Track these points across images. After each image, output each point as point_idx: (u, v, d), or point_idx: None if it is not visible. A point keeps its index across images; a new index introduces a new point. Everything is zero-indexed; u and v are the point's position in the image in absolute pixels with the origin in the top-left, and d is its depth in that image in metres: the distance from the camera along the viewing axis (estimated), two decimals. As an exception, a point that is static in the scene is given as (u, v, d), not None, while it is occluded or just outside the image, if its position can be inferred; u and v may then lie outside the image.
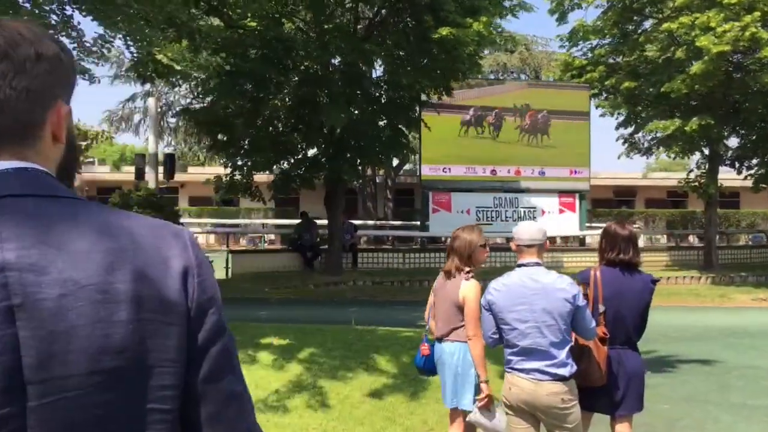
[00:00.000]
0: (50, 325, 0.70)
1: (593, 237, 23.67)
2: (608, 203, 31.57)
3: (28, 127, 0.80)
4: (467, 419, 3.50)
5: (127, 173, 23.19)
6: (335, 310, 10.61)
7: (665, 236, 25.53)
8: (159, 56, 6.66)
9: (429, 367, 3.78)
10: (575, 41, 18.39)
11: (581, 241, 19.05)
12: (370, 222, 22.17)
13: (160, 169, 14.60)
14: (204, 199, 27.08)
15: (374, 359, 6.63)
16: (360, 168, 14.59)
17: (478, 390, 3.47)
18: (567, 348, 3.08)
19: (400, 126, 14.08)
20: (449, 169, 17.24)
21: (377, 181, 26.51)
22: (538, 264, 3.17)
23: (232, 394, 0.84)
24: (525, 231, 3.24)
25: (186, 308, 0.79)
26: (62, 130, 0.84)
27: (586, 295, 3.48)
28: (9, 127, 0.79)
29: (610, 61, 18.13)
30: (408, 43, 11.52)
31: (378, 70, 14.70)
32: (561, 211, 18.02)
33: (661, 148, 18.21)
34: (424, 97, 13.82)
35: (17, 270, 0.70)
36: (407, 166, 27.14)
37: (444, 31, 10.48)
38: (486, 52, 28.17)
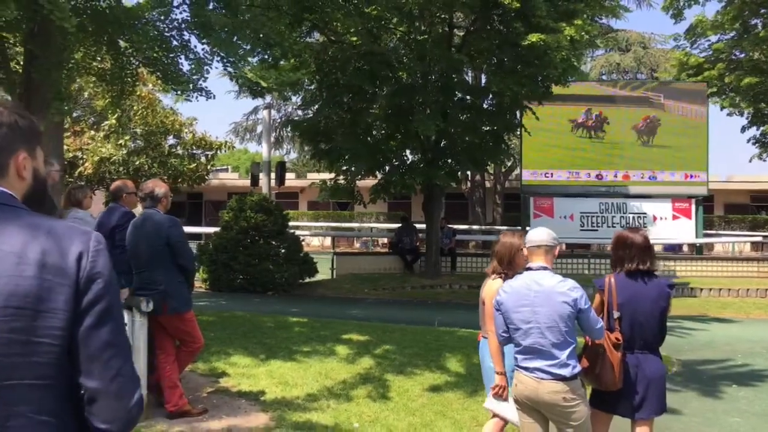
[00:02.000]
0: None
1: (724, 246, 22.20)
2: (744, 209, 29.26)
3: None
4: (485, 406, 3.74)
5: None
6: (426, 311, 10.95)
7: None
8: (249, 74, 7.43)
9: None
10: (693, 38, 17.47)
11: (698, 249, 17.95)
12: (475, 227, 22.23)
13: (273, 176, 15.75)
14: (322, 203, 28.45)
15: (444, 358, 6.93)
16: (458, 174, 14.81)
17: (492, 379, 3.72)
18: (569, 349, 3.25)
19: (499, 131, 14.15)
20: (551, 173, 17.00)
21: (486, 186, 26.51)
22: (544, 268, 3.36)
23: (108, 342, 1.25)
24: (533, 234, 3.45)
25: (77, 277, 1.23)
26: (24, 171, 1.33)
27: (602, 302, 3.63)
28: None
29: (732, 57, 17.01)
30: (499, 50, 11.63)
31: (472, 78, 14.88)
32: (675, 218, 17.12)
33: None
34: (524, 103, 13.81)
35: None
36: (517, 171, 26.88)
37: (533, 37, 10.51)
38: (599, 52, 27.37)
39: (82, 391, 1.24)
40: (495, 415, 3.85)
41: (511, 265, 3.83)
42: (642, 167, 17.16)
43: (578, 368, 3.29)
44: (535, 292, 3.29)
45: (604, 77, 25.80)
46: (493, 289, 3.71)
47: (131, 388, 1.27)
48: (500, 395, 3.60)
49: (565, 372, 3.22)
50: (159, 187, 4.79)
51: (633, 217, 16.85)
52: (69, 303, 1.22)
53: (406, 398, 5.53)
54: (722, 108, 17.47)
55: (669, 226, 16.96)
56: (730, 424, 5.43)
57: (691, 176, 17.16)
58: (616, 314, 3.54)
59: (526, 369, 3.32)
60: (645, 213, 16.93)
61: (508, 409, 3.59)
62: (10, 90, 7.95)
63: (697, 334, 9.72)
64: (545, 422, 3.39)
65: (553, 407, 3.26)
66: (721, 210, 29.34)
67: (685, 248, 19.42)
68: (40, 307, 1.19)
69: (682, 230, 17.07)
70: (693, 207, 17.06)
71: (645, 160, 17.21)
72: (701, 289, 14.08)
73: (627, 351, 3.54)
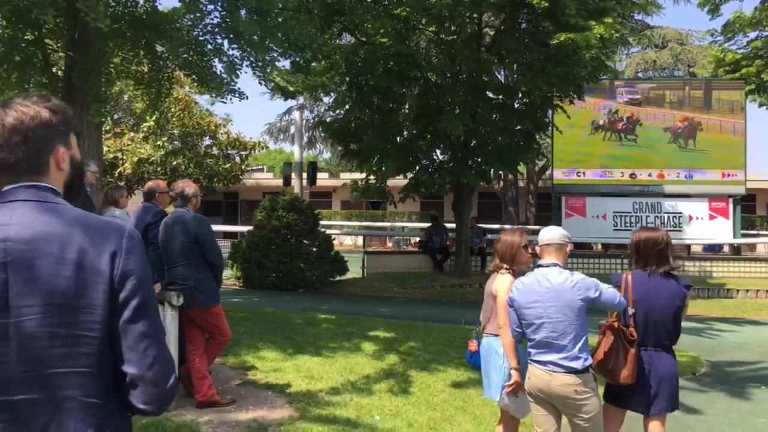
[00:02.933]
0: (25, 276, 1.33)
1: (766, 246, 21.62)
2: (788, 208, 28.50)
3: (37, 167, 1.44)
4: (498, 404, 3.81)
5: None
6: (455, 310, 10.99)
7: None
8: (277, 79, 7.64)
9: (477, 361, 4.13)
10: (730, 34, 17.10)
11: (736, 249, 17.55)
12: (507, 226, 22.13)
13: (305, 175, 16.01)
14: (354, 203, 28.70)
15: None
16: (490, 173, 14.81)
17: (508, 378, 3.77)
18: (580, 342, 3.32)
19: (530, 130, 14.11)
20: (583, 172, 16.84)
21: (519, 185, 26.37)
22: (555, 265, 3.45)
23: (144, 333, 1.39)
24: (545, 232, 3.55)
25: (111, 275, 1.37)
26: (63, 163, 1.47)
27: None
28: (25, 168, 1.43)
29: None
30: (527, 49, 11.61)
31: (504, 77, 14.84)
32: (712, 218, 16.77)
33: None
34: (555, 101, 13.74)
35: (12, 242, 1.34)
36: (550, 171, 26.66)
37: (561, 37, 10.47)
38: (634, 49, 26.92)
39: (126, 378, 1.39)
40: (503, 414, 3.90)
41: (513, 262, 3.90)
42: (677, 166, 16.85)
43: (589, 361, 3.36)
44: (545, 288, 3.38)
45: (639, 74, 25.34)
46: (505, 284, 3.79)
47: (166, 375, 1.41)
48: (515, 393, 3.66)
49: (577, 365, 3.30)
50: (189, 187, 5.01)
51: (668, 217, 16.58)
52: (105, 299, 1.35)
53: (428, 393, 5.64)
54: (760, 105, 17.04)
55: (705, 226, 16.63)
56: (754, 425, 5.39)
57: (728, 175, 16.79)
58: (630, 311, 3.59)
59: (538, 362, 3.40)
60: (680, 213, 16.64)
61: (522, 406, 3.66)
62: (52, 93, 8.31)
63: (729, 335, 9.57)
64: (558, 415, 3.47)
65: (565, 399, 3.34)
66: (764, 210, 28.59)
67: (726, 249, 19.01)
68: (79, 303, 1.34)
69: (719, 230, 16.71)
70: (730, 206, 16.68)
71: (681, 159, 16.90)
72: (738, 291, 13.81)
73: (641, 347, 3.59)
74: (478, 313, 4.17)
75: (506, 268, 3.88)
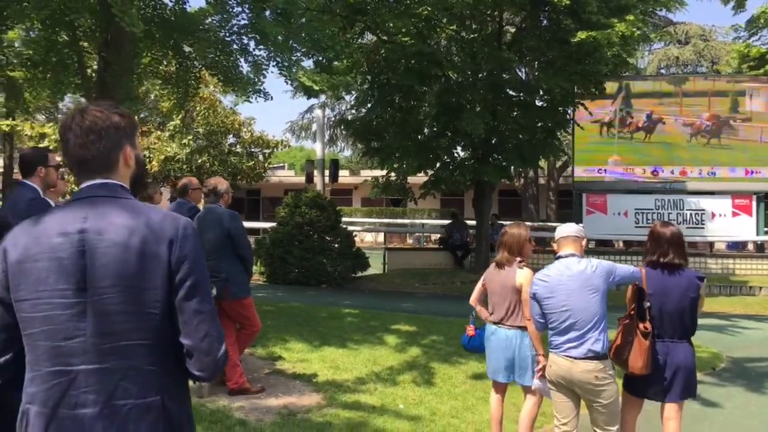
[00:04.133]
0: (100, 260, 1.54)
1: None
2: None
3: (108, 163, 1.66)
4: (533, 388, 4.00)
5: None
6: (475, 306, 11.14)
7: None
8: (302, 79, 7.85)
9: (474, 344, 4.36)
10: (754, 30, 16.95)
11: (759, 247, 17.40)
12: (528, 223, 22.13)
13: (326, 173, 16.22)
14: (375, 200, 28.93)
15: (489, 349, 7.16)
16: (511, 170, 14.90)
17: (533, 364, 3.96)
18: (600, 326, 3.48)
19: (551, 127, 14.16)
20: (605, 170, 16.82)
21: (540, 182, 26.36)
22: (573, 255, 3.61)
23: (197, 310, 1.60)
24: (562, 227, 3.75)
25: (169, 260, 1.58)
26: (130, 160, 1.70)
27: (634, 292, 3.80)
28: (98, 164, 1.65)
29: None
30: (548, 47, 11.68)
31: (525, 75, 14.90)
32: (735, 215, 16.64)
33: None
34: (576, 100, 13.78)
35: (89, 233, 1.56)
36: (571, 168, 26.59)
37: (582, 35, 10.53)
38: (657, 46, 26.71)
39: (183, 348, 1.60)
40: (529, 394, 4.10)
41: (520, 254, 4.11)
42: (701, 163, 16.75)
43: (607, 343, 3.50)
44: (567, 277, 3.54)
45: (662, 71, 25.14)
46: (528, 277, 3.95)
47: (217, 346, 1.62)
48: (544, 375, 3.84)
49: (597, 347, 3.45)
50: (221, 183, 5.24)
51: (690, 214, 16.49)
52: (164, 281, 1.57)
53: (450, 384, 5.81)
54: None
55: (728, 224, 16.51)
56: (772, 418, 5.46)
57: (752, 172, 16.65)
58: (646, 304, 3.71)
59: (559, 350, 3.55)
60: (703, 210, 16.54)
61: (546, 387, 3.83)
62: (86, 93, 8.62)
63: (751, 332, 9.57)
64: (577, 400, 3.62)
65: (585, 385, 3.48)
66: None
67: (750, 246, 18.85)
68: (143, 284, 1.55)
69: (742, 227, 16.58)
70: (754, 204, 16.54)
71: (704, 156, 16.80)
72: (760, 288, 13.75)
73: (657, 339, 3.71)
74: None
75: (520, 261, 4.06)
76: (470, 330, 4.43)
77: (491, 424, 4.37)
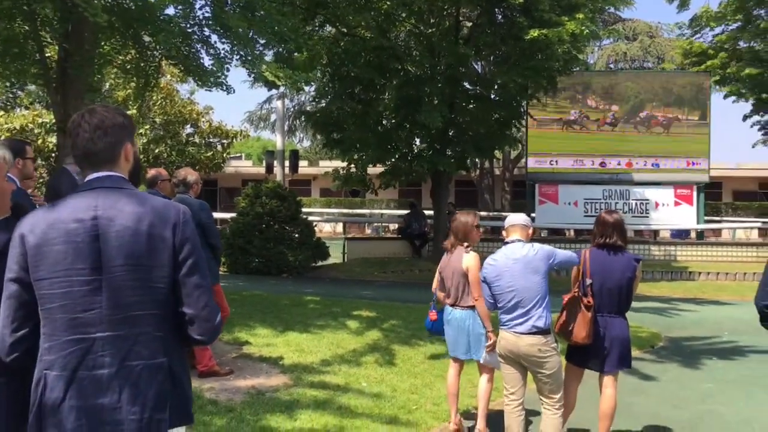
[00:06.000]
0: (112, 243, 1.80)
1: (732, 231, 22.53)
2: (753, 195, 29.63)
3: (112, 157, 1.91)
4: (482, 362, 4.37)
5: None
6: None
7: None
8: (266, 73, 8.01)
9: (437, 328, 4.72)
10: (697, 28, 17.81)
11: (699, 234, 18.38)
12: (483, 213, 22.74)
13: (286, 163, 16.37)
14: (334, 191, 29.09)
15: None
16: (467, 161, 15.34)
17: (485, 341, 4.33)
18: (543, 304, 3.86)
19: (506, 120, 14.64)
20: (556, 161, 17.48)
21: (495, 173, 26.99)
22: (519, 241, 3.99)
23: (198, 284, 1.87)
24: (511, 217, 4.15)
25: (173, 241, 1.85)
26: (129, 155, 1.95)
27: (578, 271, 4.21)
28: (103, 157, 1.90)
29: (734, 47, 17.35)
30: (503, 43, 12.12)
31: (482, 68, 15.33)
32: (677, 204, 17.56)
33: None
34: (530, 93, 14.29)
35: (101, 219, 1.81)
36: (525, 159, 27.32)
37: (534, 32, 11.00)
38: (606, 42, 27.66)
39: (185, 317, 1.87)
40: (483, 369, 4.47)
41: (465, 239, 4.47)
42: (645, 154, 17.57)
43: (550, 320, 3.88)
44: (512, 260, 3.91)
45: (611, 66, 26.06)
46: (473, 260, 4.33)
47: (215, 314, 1.90)
48: (494, 350, 4.20)
49: (540, 323, 3.83)
50: (191, 174, 5.43)
51: (636, 204, 17.32)
52: (170, 259, 1.84)
53: (410, 364, 6.17)
54: (725, 97, 17.82)
55: (671, 213, 17.41)
56: (703, 390, 6.00)
57: (693, 163, 17.57)
58: (588, 281, 4.13)
59: (507, 326, 3.92)
60: (647, 199, 17.39)
61: (495, 359, 4.21)
62: (47, 83, 8.58)
63: (688, 314, 10.23)
64: (524, 372, 4.01)
65: (530, 357, 3.87)
66: (730, 197, 29.67)
67: (693, 234, 19.86)
68: (151, 263, 1.81)
69: (684, 216, 17.51)
70: (695, 193, 17.47)
71: (648, 148, 17.62)
72: (699, 273, 14.58)
73: (597, 314, 4.13)
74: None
75: (467, 246, 4.41)
76: (432, 314, 4.78)
77: (447, 397, 4.73)
